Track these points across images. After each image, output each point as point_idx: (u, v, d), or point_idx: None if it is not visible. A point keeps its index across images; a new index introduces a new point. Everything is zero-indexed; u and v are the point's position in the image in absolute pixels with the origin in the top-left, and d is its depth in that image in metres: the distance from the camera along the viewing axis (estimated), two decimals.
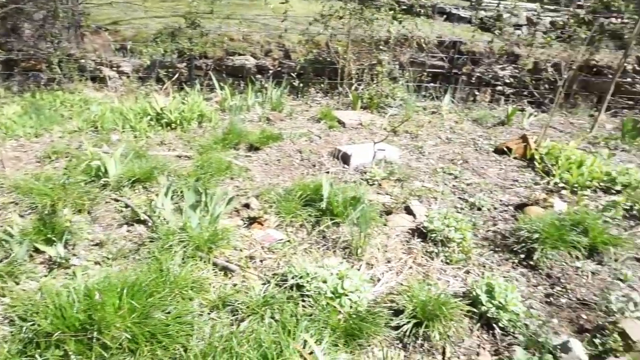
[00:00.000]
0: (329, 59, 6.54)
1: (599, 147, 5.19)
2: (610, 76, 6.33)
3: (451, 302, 2.44)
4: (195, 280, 2.51)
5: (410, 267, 2.88)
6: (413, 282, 2.62)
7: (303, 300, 2.42)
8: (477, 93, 6.89)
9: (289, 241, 3.04)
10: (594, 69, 6.82)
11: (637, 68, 6.94)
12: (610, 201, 3.80)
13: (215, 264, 2.73)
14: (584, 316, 2.55)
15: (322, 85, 6.70)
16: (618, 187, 4.10)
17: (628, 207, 3.75)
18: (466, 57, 6.84)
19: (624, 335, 2.28)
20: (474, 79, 6.88)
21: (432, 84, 6.72)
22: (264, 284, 2.61)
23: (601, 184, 4.16)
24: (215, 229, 2.95)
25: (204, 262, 2.72)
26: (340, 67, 6.33)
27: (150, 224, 3.11)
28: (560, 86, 5.01)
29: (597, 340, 2.31)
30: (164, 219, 3.10)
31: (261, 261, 2.85)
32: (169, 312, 2.23)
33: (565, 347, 2.23)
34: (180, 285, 2.42)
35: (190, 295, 2.41)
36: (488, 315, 2.44)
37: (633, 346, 2.20)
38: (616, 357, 2.22)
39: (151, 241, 2.89)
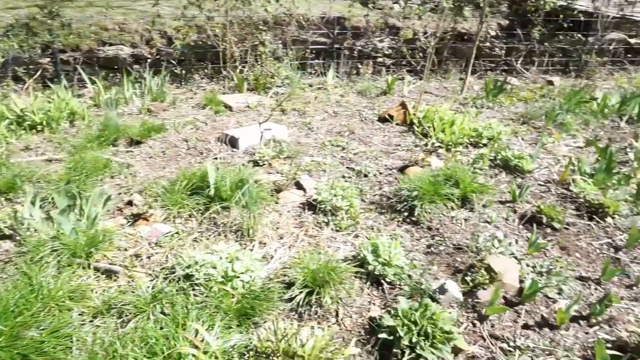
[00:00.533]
0: (209, 43, 6.33)
1: (468, 107, 5.69)
2: (481, 44, 6.93)
3: (341, 266, 2.55)
4: (73, 289, 2.33)
5: (302, 240, 2.94)
6: (305, 254, 2.69)
7: (194, 290, 2.37)
8: (360, 66, 7.13)
9: (177, 233, 2.94)
10: (463, 36, 7.40)
11: (499, 34, 7.67)
12: (478, 154, 4.21)
13: (96, 269, 2.56)
14: (459, 259, 2.82)
15: (206, 70, 6.48)
16: (484, 141, 4.54)
17: (492, 158, 4.18)
18: (349, 32, 7.03)
19: (489, 269, 2.56)
20: (355, 52, 7.10)
21: (316, 61, 6.82)
22: (152, 280, 2.50)
23: (471, 139, 4.57)
24: (95, 231, 2.76)
25: (84, 268, 2.54)
26: (222, 51, 6.16)
27: (17, 237, 2.81)
28: (430, 53, 5.37)
29: (468, 278, 2.57)
30: (34, 230, 2.83)
31: (148, 257, 2.73)
32: (44, 329, 2.06)
33: (442, 289, 2.45)
34: (55, 298, 2.23)
35: (68, 305, 2.24)
36: (375, 273, 2.59)
37: (496, 277, 2.49)
38: (484, 289, 2.49)
39: (19, 256, 2.62)
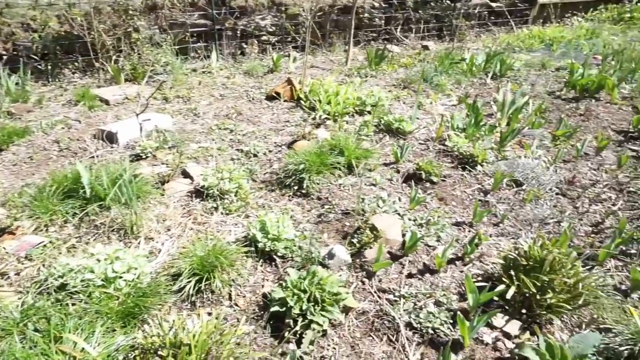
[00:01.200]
0: (75, 33, 5.78)
1: (353, 77, 5.85)
2: (355, 14, 7.11)
3: (230, 248, 2.52)
4: None
5: (191, 229, 2.86)
6: (193, 242, 2.62)
7: (71, 299, 2.20)
8: (245, 46, 6.99)
9: (50, 242, 2.70)
10: (347, 9, 7.53)
11: (381, 4, 7.92)
12: (363, 121, 4.36)
13: None
14: (348, 223, 2.93)
15: (77, 63, 5.93)
16: (368, 109, 4.72)
17: (377, 123, 4.37)
18: (235, 12, 6.82)
19: (373, 228, 2.69)
20: (239, 32, 6.94)
21: (198, 44, 6.56)
22: (22, 297, 2.28)
23: (356, 108, 4.73)
24: None
25: None
26: (91, 41, 5.67)
27: None
28: (310, 27, 5.41)
29: (355, 240, 2.68)
30: None
31: (17, 274, 2.48)
32: None
33: (330, 254, 2.53)
34: None
35: None
36: (266, 249, 2.60)
37: (379, 235, 2.62)
38: (370, 248, 2.61)
39: None
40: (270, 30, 7.13)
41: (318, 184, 3.32)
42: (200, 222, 2.94)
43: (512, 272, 2.23)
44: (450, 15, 8.12)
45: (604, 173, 3.65)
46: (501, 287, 2.19)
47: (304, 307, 2.11)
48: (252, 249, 2.63)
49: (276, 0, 7.29)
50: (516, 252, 2.29)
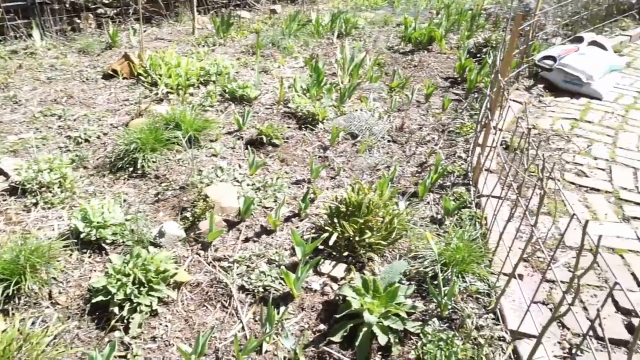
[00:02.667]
0: None
1: (201, 47, 5.61)
2: None
3: (44, 245, 2.30)
4: None
5: (2, 231, 2.55)
6: (2, 246, 2.34)
7: None
8: (78, 21, 6.29)
9: None
10: None
11: None
12: (207, 92, 4.23)
13: None
14: (185, 198, 2.84)
15: None
16: (214, 78, 4.57)
17: (221, 92, 4.26)
18: None
19: (207, 198, 2.65)
20: (68, 5, 6.20)
21: (18, 21, 5.74)
22: None
23: (200, 79, 4.55)
24: None
25: None
26: None
27: None
28: None
29: (187, 214, 2.62)
30: None
31: None
32: None
33: (161, 233, 2.44)
34: None
35: None
36: (92, 238, 2.42)
37: (209, 204, 2.59)
38: (205, 219, 2.57)
39: None
40: (107, 1, 6.50)
41: (155, 162, 3.17)
42: (15, 221, 2.64)
43: (335, 220, 2.36)
44: None
45: (430, 117, 4.00)
46: (325, 235, 2.30)
47: (128, 291, 2.02)
48: (77, 240, 2.44)
49: None
50: (337, 200, 2.42)
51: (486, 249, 2.37)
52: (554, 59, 4.55)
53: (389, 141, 3.58)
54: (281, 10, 7.25)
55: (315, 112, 3.78)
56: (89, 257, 2.43)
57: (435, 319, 2.04)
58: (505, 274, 2.25)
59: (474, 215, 2.69)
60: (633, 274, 2.45)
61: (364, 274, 2.18)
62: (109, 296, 2.04)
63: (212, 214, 2.44)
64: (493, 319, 2.05)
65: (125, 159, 3.12)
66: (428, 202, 2.91)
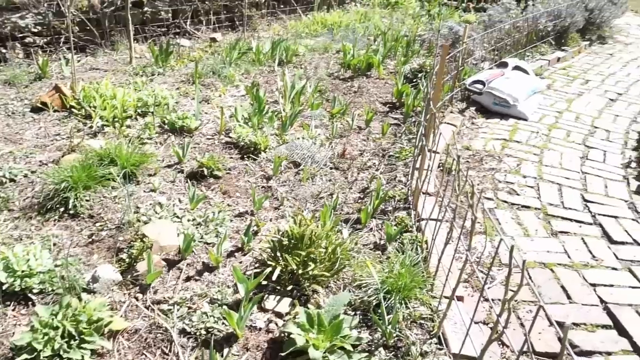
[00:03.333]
0: None
1: (139, 77, 5.48)
2: (138, 8, 6.65)
3: None
4: None
5: None
6: None
7: None
8: (4, 51, 5.97)
9: None
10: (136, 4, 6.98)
11: None
12: (145, 124, 4.11)
13: None
14: (121, 238, 2.72)
15: None
16: (152, 109, 4.46)
17: (161, 123, 4.16)
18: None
19: (144, 238, 2.55)
20: None
21: None
22: None
23: (138, 110, 4.42)
24: None
25: None
26: None
27: None
28: (70, 24, 4.84)
29: (124, 255, 2.50)
30: None
31: None
32: None
33: (94, 278, 2.31)
34: None
35: None
36: (17, 289, 2.25)
37: (147, 244, 2.49)
38: (143, 260, 2.46)
39: None
40: (36, 30, 6.22)
41: (88, 200, 3.02)
42: None
43: (278, 253, 2.34)
44: (240, 5, 8.17)
45: (371, 142, 4.11)
46: (268, 270, 2.27)
47: (57, 347, 1.88)
48: None
49: None
50: (279, 233, 2.40)
51: (427, 273, 2.43)
52: (483, 83, 4.83)
53: (331, 168, 3.62)
54: (222, 38, 7.25)
55: (257, 142, 3.77)
56: (13, 309, 2.25)
57: (381, 349, 2.05)
58: (446, 297, 2.30)
59: (415, 239, 2.76)
60: (562, 287, 2.59)
61: (308, 307, 2.16)
62: (35, 354, 1.89)
63: (150, 254, 2.34)
64: (437, 343, 2.09)
65: (56, 199, 2.95)
66: (371, 229, 2.95)
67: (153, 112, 4.40)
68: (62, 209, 2.95)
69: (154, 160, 3.49)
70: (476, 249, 2.88)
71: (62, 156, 3.55)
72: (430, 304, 2.28)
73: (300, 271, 2.26)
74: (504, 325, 1.57)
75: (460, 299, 2.32)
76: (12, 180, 3.30)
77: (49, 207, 2.95)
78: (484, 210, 3.25)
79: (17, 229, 2.81)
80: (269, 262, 2.33)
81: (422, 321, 2.20)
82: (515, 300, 2.48)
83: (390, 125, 4.38)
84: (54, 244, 2.68)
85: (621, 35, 8.87)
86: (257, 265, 2.54)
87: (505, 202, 3.37)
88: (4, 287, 2.24)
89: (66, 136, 4.01)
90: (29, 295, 2.30)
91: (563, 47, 7.18)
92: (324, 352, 1.90)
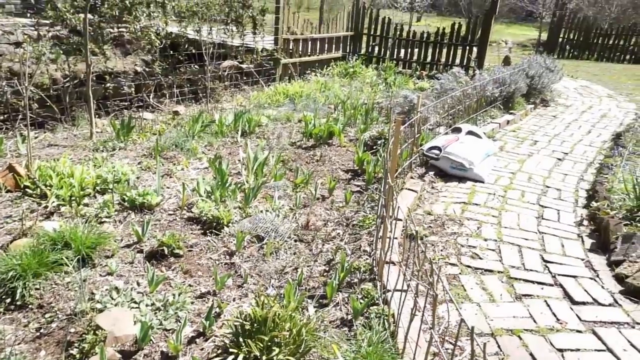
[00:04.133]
0: None
1: (99, 152, 5.42)
2: (99, 83, 6.70)
3: None
4: None
5: None
6: None
7: None
8: None
9: None
10: (102, 77, 7.05)
11: (130, 73, 7.65)
12: (103, 202, 4.01)
13: None
14: (73, 330, 2.55)
15: None
16: (112, 186, 4.37)
17: (120, 201, 4.07)
18: None
19: (97, 329, 2.40)
20: None
21: None
22: None
23: (97, 187, 4.33)
24: None
25: None
26: None
27: None
28: (27, 103, 4.80)
29: (74, 351, 2.33)
30: None
31: None
32: None
33: None
34: None
35: None
36: None
37: (99, 337, 2.34)
38: (95, 354, 2.30)
39: None
40: None
41: (38, 289, 2.85)
42: None
43: (241, 339, 2.24)
44: (202, 78, 8.39)
45: (335, 211, 4.13)
46: (230, 358, 2.16)
47: None
48: None
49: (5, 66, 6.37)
50: (242, 316, 2.32)
51: (396, 350, 2.37)
52: (439, 148, 5.04)
53: (295, 241, 3.60)
54: (185, 110, 7.36)
55: (220, 216, 3.73)
56: None
57: None
58: None
59: (381, 312, 2.72)
60: (531, 355, 2.58)
61: None
62: None
63: (103, 348, 2.20)
64: None
65: (1, 290, 2.77)
66: (337, 303, 2.90)
67: (112, 190, 4.31)
68: (8, 300, 2.77)
69: (111, 241, 3.37)
70: (444, 318, 2.85)
71: (12, 241, 3.38)
72: None
73: (264, 357, 2.17)
74: None
75: None
76: None
77: None
78: (449, 277, 3.27)
79: None
80: (230, 350, 2.22)
81: None
82: None
83: (353, 192, 4.45)
84: None
85: (561, 98, 9.60)
86: (219, 352, 2.42)
87: (469, 267, 3.41)
88: None
89: (18, 218, 3.85)
90: None
91: (511, 111, 7.67)
92: None
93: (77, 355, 2.31)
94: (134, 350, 2.43)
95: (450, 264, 3.43)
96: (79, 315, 2.62)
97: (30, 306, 2.76)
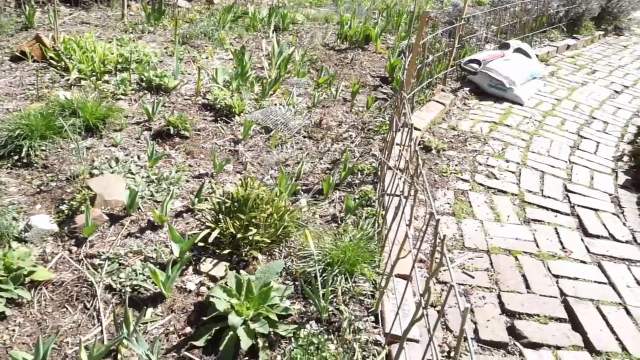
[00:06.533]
0: None
1: (129, 34, 5.32)
2: None
3: None
4: None
5: None
6: None
7: None
8: None
9: None
10: None
11: None
12: (121, 79, 3.98)
13: None
14: (69, 190, 2.62)
15: None
16: (133, 66, 4.32)
17: (139, 80, 4.03)
18: None
19: (89, 191, 2.44)
20: None
21: None
22: None
23: (119, 66, 4.29)
24: None
25: None
26: None
27: None
28: None
29: (64, 207, 2.40)
30: None
31: None
32: None
33: (27, 227, 2.22)
34: None
35: None
36: None
37: (86, 197, 2.39)
38: (83, 212, 2.36)
39: None
40: None
41: (44, 150, 2.92)
42: None
43: (220, 216, 2.22)
44: None
45: (353, 115, 3.94)
46: (205, 232, 2.16)
47: None
48: None
49: None
50: (224, 195, 2.28)
51: (377, 248, 2.30)
52: (479, 62, 4.60)
53: (304, 137, 3.48)
54: (219, 0, 7.03)
55: (233, 105, 3.63)
56: None
57: (313, 322, 1.94)
58: (398, 276, 2.18)
59: (375, 214, 2.62)
60: (524, 276, 2.45)
61: (246, 273, 2.04)
62: None
63: (88, 206, 2.24)
64: (373, 321, 1.98)
65: (9, 147, 2.85)
66: (333, 200, 2.82)
67: (131, 68, 4.26)
68: (15, 157, 2.86)
69: (121, 116, 3.36)
70: (441, 230, 2.73)
71: (30, 105, 3.45)
72: (375, 282, 2.16)
73: (239, 235, 2.15)
74: (424, 306, 1.44)
75: (405, 277, 2.19)
76: None
77: (1, 154, 2.85)
78: (457, 192, 3.10)
79: None
80: (207, 224, 2.21)
81: (363, 297, 2.08)
82: (470, 285, 2.36)
83: (377, 99, 4.20)
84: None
85: None
86: (203, 227, 2.43)
87: (482, 184, 3.21)
88: None
89: (41, 86, 3.90)
90: None
91: (575, 35, 6.86)
92: (248, 320, 1.79)
93: (66, 212, 2.38)
94: (122, 215, 2.48)
95: (462, 179, 3.24)
96: (76, 178, 2.68)
97: (35, 165, 2.84)
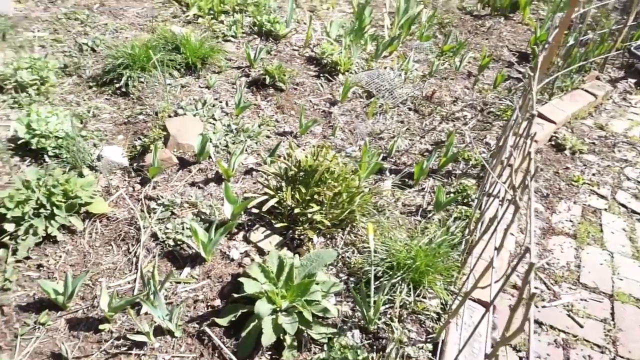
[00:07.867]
0: None
1: None
2: None
3: None
4: None
5: None
6: None
7: None
8: None
9: None
10: None
11: None
12: (233, 20, 3.86)
13: None
14: (150, 126, 2.56)
15: None
16: (251, 8, 4.18)
17: (251, 24, 3.88)
18: None
19: (164, 130, 2.35)
20: None
21: None
22: None
23: (237, 7, 4.18)
24: None
25: None
26: None
27: None
28: None
29: (138, 142, 2.34)
30: None
31: None
32: None
33: (99, 157, 2.19)
34: None
35: None
36: (33, 147, 2.24)
37: (158, 137, 2.28)
38: (150, 152, 2.27)
39: None
40: None
41: (142, 82, 2.91)
42: None
43: (283, 184, 1.96)
44: None
45: (475, 92, 3.35)
46: (261, 198, 1.92)
47: (27, 210, 1.80)
48: (14, 146, 2.26)
49: None
50: (290, 160, 2.00)
51: (461, 262, 1.86)
52: None
53: (409, 109, 3.03)
54: None
55: (339, 62, 3.29)
56: (29, 165, 2.25)
57: (356, 332, 1.62)
58: (474, 300, 1.74)
59: (469, 216, 2.15)
60: None
61: (293, 256, 1.78)
62: (6, 211, 1.84)
63: (157, 146, 2.14)
64: (430, 351, 1.59)
65: (111, 74, 2.89)
66: (423, 189, 2.39)
67: (248, 11, 4.12)
68: (117, 85, 2.89)
69: (221, 58, 3.24)
70: (552, 252, 2.17)
71: (140, 36, 3.49)
72: (445, 301, 1.74)
73: (297, 210, 1.87)
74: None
75: (485, 305, 1.73)
76: (93, 50, 3.34)
77: (105, 80, 2.91)
78: (585, 209, 2.45)
79: (72, 94, 2.83)
80: (266, 190, 1.96)
81: (424, 318, 1.69)
82: (574, 336, 1.81)
83: (509, 78, 3.53)
84: (94, 115, 2.64)
85: None
86: (263, 192, 2.20)
87: (624, 206, 2.49)
88: (19, 143, 2.23)
89: (162, 20, 3.96)
90: (45, 155, 2.27)
91: None
92: (278, 311, 1.53)
93: (139, 148, 2.32)
94: (192, 161, 2.35)
95: (597, 194, 2.55)
96: (157, 114, 2.61)
97: (131, 95, 2.85)
